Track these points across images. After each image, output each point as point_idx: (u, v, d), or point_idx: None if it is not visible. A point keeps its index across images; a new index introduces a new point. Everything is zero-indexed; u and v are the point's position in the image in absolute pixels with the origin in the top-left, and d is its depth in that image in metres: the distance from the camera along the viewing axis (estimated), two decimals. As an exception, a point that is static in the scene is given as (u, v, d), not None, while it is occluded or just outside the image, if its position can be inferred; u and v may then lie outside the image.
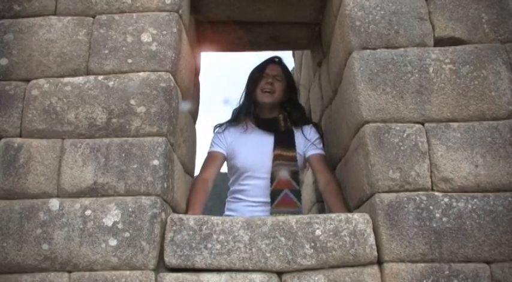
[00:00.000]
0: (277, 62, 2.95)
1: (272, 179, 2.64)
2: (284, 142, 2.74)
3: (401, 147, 2.06)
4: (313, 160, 2.76)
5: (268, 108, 2.85)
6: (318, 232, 1.95)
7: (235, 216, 2.13)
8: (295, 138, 2.78)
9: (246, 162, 2.71)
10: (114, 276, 1.87)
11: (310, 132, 2.82)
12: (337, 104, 2.62)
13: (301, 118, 2.91)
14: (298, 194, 2.66)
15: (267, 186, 2.64)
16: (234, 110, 2.95)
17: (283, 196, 2.60)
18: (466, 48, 2.22)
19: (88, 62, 2.22)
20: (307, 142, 2.78)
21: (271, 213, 2.55)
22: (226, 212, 2.73)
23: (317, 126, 2.93)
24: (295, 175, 2.68)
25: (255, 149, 2.73)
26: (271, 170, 2.66)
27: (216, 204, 2.82)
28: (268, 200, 2.61)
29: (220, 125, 2.89)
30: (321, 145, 2.82)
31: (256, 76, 2.89)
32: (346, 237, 1.95)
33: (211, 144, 2.84)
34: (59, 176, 2.04)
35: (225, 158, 2.79)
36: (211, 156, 2.78)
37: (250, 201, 2.65)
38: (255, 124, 2.83)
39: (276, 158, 2.69)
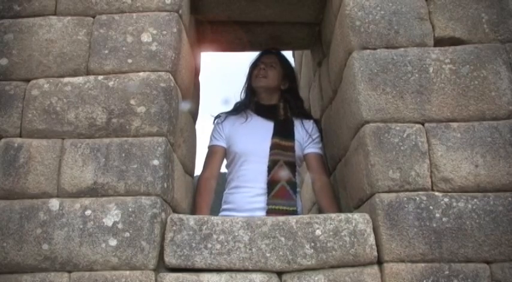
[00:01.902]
0: (273, 52, 3.00)
1: (269, 168, 2.64)
2: (283, 131, 2.75)
3: (401, 147, 2.06)
4: (311, 158, 2.77)
5: (264, 93, 2.88)
6: (318, 232, 1.95)
7: (235, 216, 2.13)
8: (295, 128, 2.79)
9: (245, 146, 2.72)
10: (114, 276, 1.87)
11: (312, 128, 2.83)
12: (337, 104, 2.62)
13: (301, 109, 2.93)
14: (294, 186, 2.66)
15: (264, 171, 2.64)
16: (236, 103, 2.99)
17: (279, 188, 2.61)
18: (466, 48, 2.22)
19: (88, 62, 2.22)
20: (308, 137, 2.78)
21: (268, 205, 2.56)
22: (224, 205, 2.73)
23: (318, 124, 2.94)
24: (292, 167, 2.68)
25: (254, 134, 2.74)
26: (269, 158, 2.67)
27: (217, 203, 2.82)
28: (265, 188, 2.61)
29: (219, 116, 2.91)
30: (321, 144, 2.84)
31: (252, 67, 2.96)
32: (346, 237, 1.95)
33: (210, 137, 2.85)
34: (59, 176, 2.04)
35: (225, 151, 2.80)
36: (211, 151, 2.80)
37: (248, 188, 2.64)
38: (254, 111, 2.85)
39: (273, 146, 2.69)
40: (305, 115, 2.93)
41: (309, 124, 2.84)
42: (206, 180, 2.69)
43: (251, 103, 2.88)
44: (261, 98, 2.90)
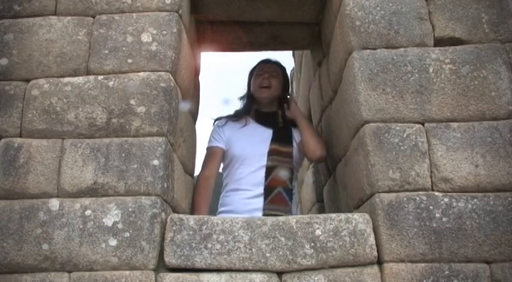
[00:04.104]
0: (271, 61, 3.05)
1: (267, 173, 2.69)
2: (281, 137, 2.80)
3: (401, 147, 2.06)
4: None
5: (266, 103, 2.92)
6: (318, 232, 1.95)
7: (235, 216, 2.13)
8: (293, 133, 2.85)
9: (243, 150, 2.75)
10: (114, 276, 1.87)
11: None
12: (337, 104, 2.62)
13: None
14: (290, 193, 2.73)
15: (261, 176, 2.68)
16: (236, 110, 3.01)
17: (276, 194, 2.66)
18: (466, 48, 2.22)
19: (88, 62, 2.22)
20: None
21: (264, 210, 2.60)
22: (221, 208, 2.74)
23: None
24: (289, 173, 2.74)
25: (253, 140, 2.78)
26: (267, 163, 2.71)
27: (216, 203, 2.83)
28: (261, 191, 2.65)
29: (220, 119, 2.94)
30: None
31: (253, 75, 2.99)
32: (346, 237, 1.95)
33: (210, 139, 2.88)
34: (59, 176, 2.04)
35: (224, 153, 2.82)
36: (210, 152, 2.83)
37: (245, 190, 2.67)
38: (255, 119, 2.89)
39: (272, 152, 2.74)
40: None
41: None
42: (205, 179, 2.71)
43: (251, 111, 2.92)
44: (262, 106, 2.93)
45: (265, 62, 3.04)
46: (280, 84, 2.95)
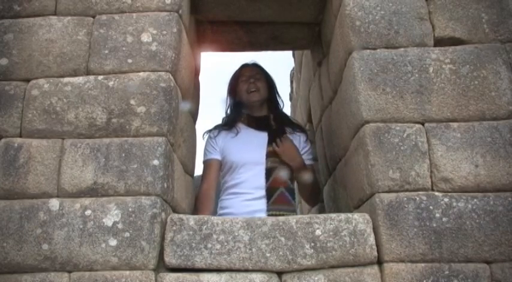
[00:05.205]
0: (250, 65, 3.04)
1: (267, 175, 2.70)
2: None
3: (401, 147, 2.06)
4: None
5: (258, 106, 2.92)
6: (318, 232, 1.95)
7: (235, 216, 2.13)
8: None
9: (241, 155, 2.74)
10: (114, 276, 1.87)
11: (300, 141, 2.89)
12: (337, 104, 2.62)
13: (288, 122, 2.97)
14: (292, 192, 2.76)
15: (262, 179, 2.69)
16: (223, 118, 3.02)
17: (279, 194, 2.67)
18: (466, 48, 2.22)
19: (88, 62, 2.22)
20: (300, 149, 2.85)
21: (268, 211, 2.61)
22: (220, 211, 2.74)
23: (307, 134, 3.00)
24: (289, 173, 2.75)
25: (250, 145, 2.78)
26: (266, 166, 2.72)
27: (216, 206, 2.83)
28: (263, 193, 2.66)
29: (210, 131, 2.92)
30: (311, 156, 2.92)
31: (235, 82, 2.98)
32: (346, 237, 1.95)
33: (204, 152, 2.87)
34: (59, 176, 2.04)
35: (220, 163, 2.82)
36: (207, 165, 2.82)
37: (245, 194, 2.67)
38: (247, 124, 2.89)
39: (270, 154, 2.75)
40: (295, 125, 2.98)
41: (297, 137, 2.89)
42: (206, 190, 2.73)
43: (241, 117, 2.91)
44: (253, 111, 2.93)
45: (245, 67, 3.03)
46: (266, 84, 2.95)
